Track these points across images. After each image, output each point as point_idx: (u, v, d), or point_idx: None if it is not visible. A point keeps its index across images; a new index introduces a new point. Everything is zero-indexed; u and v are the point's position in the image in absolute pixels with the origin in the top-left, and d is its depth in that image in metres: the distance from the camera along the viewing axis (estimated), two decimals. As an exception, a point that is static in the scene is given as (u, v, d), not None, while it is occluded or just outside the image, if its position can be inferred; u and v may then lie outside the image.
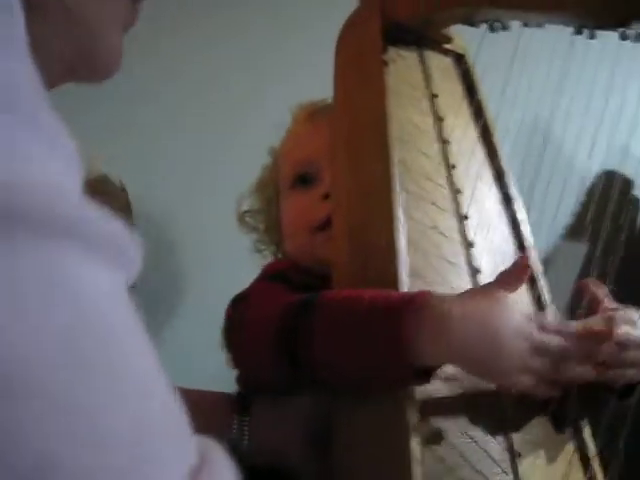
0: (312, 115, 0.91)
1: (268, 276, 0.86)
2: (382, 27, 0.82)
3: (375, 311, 0.61)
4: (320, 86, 0.85)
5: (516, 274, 0.66)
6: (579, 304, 0.72)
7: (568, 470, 0.67)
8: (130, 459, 0.24)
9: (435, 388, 0.62)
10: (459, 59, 0.92)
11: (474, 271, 0.73)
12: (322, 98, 0.91)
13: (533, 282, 0.78)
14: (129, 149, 1.16)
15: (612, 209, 0.75)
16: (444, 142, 0.82)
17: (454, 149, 0.82)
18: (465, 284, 0.72)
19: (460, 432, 0.62)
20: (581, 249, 1.38)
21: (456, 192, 0.79)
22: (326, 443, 0.67)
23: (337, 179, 0.79)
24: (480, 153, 0.85)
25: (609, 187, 0.78)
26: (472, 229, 0.76)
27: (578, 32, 0.72)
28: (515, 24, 0.79)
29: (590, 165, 0.88)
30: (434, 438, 0.60)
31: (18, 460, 0.21)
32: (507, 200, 0.83)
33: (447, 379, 0.63)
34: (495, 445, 0.63)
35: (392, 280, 0.66)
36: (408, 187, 0.75)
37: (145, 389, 0.27)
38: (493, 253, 0.76)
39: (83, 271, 0.25)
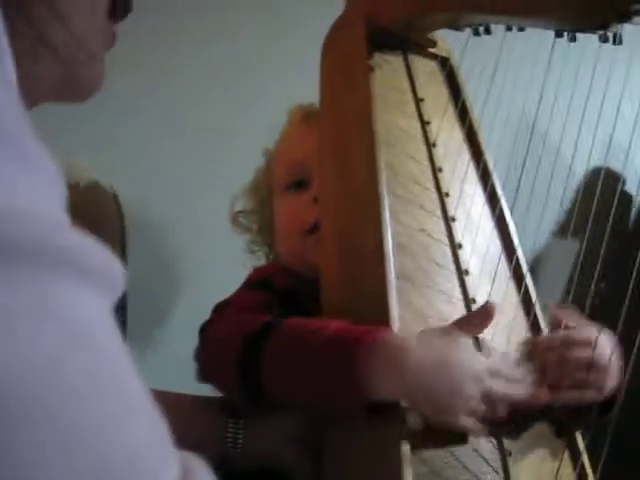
0: (306, 117, 0.91)
1: (251, 284, 0.86)
2: (367, 32, 0.83)
3: (329, 343, 0.63)
4: (316, 87, 0.86)
5: (479, 320, 0.67)
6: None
7: (558, 467, 0.67)
8: (121, 472, 0.25)
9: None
10: (444, 62, 0.93)
11: (463, 273, 0.74)
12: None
13: (520, 282, 0.79)
14: (124, 154, 1.16)
15: (603, 205, 0.75)
16: (431, 145, 0.83)
17: (440, 152, 0.83)
18: (454, 286, 0.73)
19: (450, 431, 0.62)
20: (572, 246, 1.39)
21: (443, 195, 0.80)
22: (319, 445, 0.67)
23: (325, 183, 0.80)
24: (466, 155, 0.86)
25: (599, 183, 0.78)
26: (460, 231, 0.77)
27: (559, 35, 0.73)
28: (499, 27, 0.79)
29: (578, 162, 0.89)
30: (424, 438, 0.61)
31: (13, 475, 0.22)
32: (493, 200, 0.83)
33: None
34: (485, 444, 0.64)
35: (380, 283, 0.67)
36: (396, 191, 0.75)
37: (133, 407, 0.27)
38: (481, 254, 0.77)
39: (73, 297, 0.26)
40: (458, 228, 0.77)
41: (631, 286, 0.67)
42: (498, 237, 0.81)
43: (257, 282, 0.85)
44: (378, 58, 0.85)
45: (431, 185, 0.80)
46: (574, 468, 0.69)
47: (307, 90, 0.86)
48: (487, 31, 0.80)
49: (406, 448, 0.59)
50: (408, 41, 0.89)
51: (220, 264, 1.05)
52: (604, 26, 0.69)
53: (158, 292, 1.22)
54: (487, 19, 0.78)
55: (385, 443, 0.60)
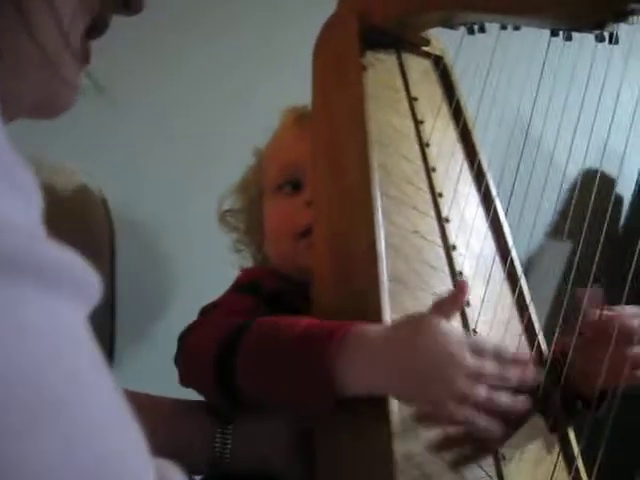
0: (300, 120, 0.89)
1: (239, 287, 0.85)
2: (359, 30, 0.82)
3: (299, 338, 0.62)
4: (309, 87, 0.85)
5: (452, 300, 0.64)
6: (575, 313, 0.71)
7: (553, 471, 0.67)
8: (105, 477, 0.26)
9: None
10: (438, 61, 0.93)
11: (456, 275, 0.73)
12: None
13: (515, 283, 0.78)
14: (114, 158, 1.15)
15: (595, 207, 0.75)
16: (424, 145, 0.82)
17: (434, 152, 0.82)
18: (447, 288, 0.72)
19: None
20: (565, 248, 1.39)
21: (437, 195, 0.79)
22: (310, 449, 0.67)
23: (318, 183, 0.79)
24: (460, 155, 0.85)
25: (592, 185, 0.78)
26: (453, 232, 0.76)
27: (554, 34, 0.72)
28: (493, 26, 0.79)
29: (572, 164, 0.89)
30: (417, 444, 0.60)
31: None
32: (488, 201, 0.83)
33: None
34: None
35: (373, 285, 0.66)
36: (389, 191, 0.74)
37: (112, 414, 0.28)
38: (475, 255, 0.76)
39: (38, 305, 0.25)
40: (452, 229, 0.77)
41: (627, 288, 0.67)
42: (492, 238, 0.81)
43: (245, 285, 0.84)
44: (371, 57, 0.84)
45: (424, 185, 0.79)
46: (569, 472, 0.69)
47: (300, 90, 0.85)
48: (481, 30, 0.80)
49: (399, 450, 0.58)
50: (401, 39, 0.88)
51: (211, 266, 1.04)
52: (600, 25, 0.68)
53: (149, 295, 1.21)
54: (481, 17, 0.78)
55: (377, 445, 0.60)
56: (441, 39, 0.92)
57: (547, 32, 0.74)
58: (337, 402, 0.59)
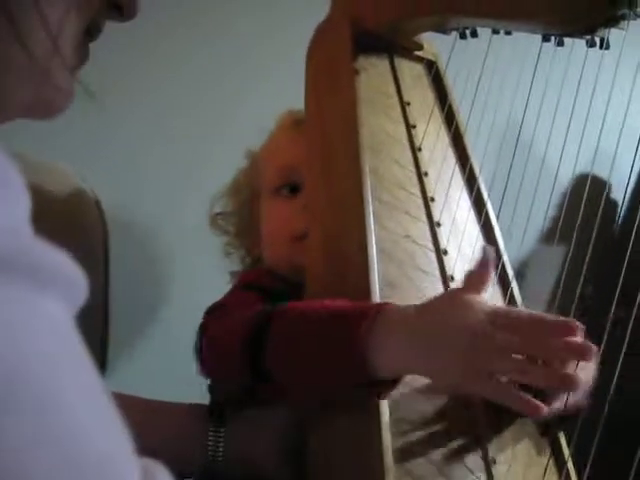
0: (297, 123, 0.90)
1: (242, 285, 0.85)
2: (352, 35, 0.82)
3: (331, 319, 0.61)
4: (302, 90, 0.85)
5: (480, 272, 0.63)
6: None
7: (544, 475, 0.67)
8: (93, 474, 0.26)
9: (407, 399, 0.62)
10: (430, 66, 0.93)
11: (448, 279, 0.74)
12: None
13: (506, 288, 0.78)
14: (110, 159, 1.15)
15: (589, 212, 0.75)
16: (416, 149, 0.83)
17: (426, 156, 0.82)
18: (439, 293, 0.72)
19: (434, 441, 0.62)
20: (558, 252, 1.39)
21: (429, 200, 0.79)
22: (302, 453, 0.67)
23: (311, 188, 0.79)
24: (452, 159, 0.85)
25: (586, 190, 0.78)
26: (445, 237, 0.77)
27: (546, 39, 0.73)
28: (485, 31, 0.79)
29: (563, 168, 0.89)
30: (408, 448, 0.60)
31: None
32: (479, 205, 0.83)
33: (419, 389, 0.63)
34: (470, 453, 0.63)
35: (366, 290, 0.66)
36: (381, 196, 0.75)
37: (99, 413, 0.28)
38: (467, 260, 0.76)
39: (24, 303, 0.26)
40: (444, 233, 0.77)
41: (617, 292, 0.67)
42: (484, 242, 0.81)
43: (249, 284, 0.84)
44: (363, 61, 0.84)
45: (416, 190, 0.79)
46: (559, 475, 0.69)
47: (296, 92, 0.85)
48: (474, 34, 0.80)
49: (390, 453, 0.58)
50: (394, 44, 0.88)
51: (206, 267, 1.04)
52: (591, 31, 0.69)
53: (143, 296, 1.21)
54: (473, 22, 0.78)
55: (367, 448, 0.59)
56: (433, 44, 0.93)
57: (539, 37, 0.74)
58: (371, 383, 0.58)
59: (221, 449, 0.69)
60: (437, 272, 0.74)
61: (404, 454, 0.59)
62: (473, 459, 0.63)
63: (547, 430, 0.70)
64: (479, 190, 0.83)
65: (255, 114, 0.98)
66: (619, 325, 0.64)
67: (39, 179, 0.87)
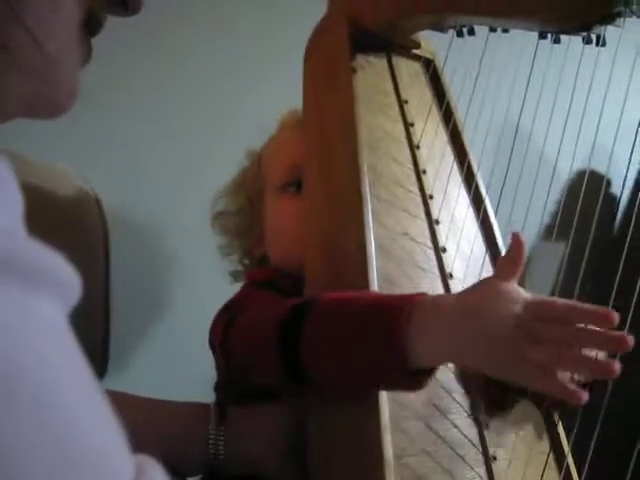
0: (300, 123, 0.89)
1: (256, 284, 0.85)
2: (350, 34, 0.82)
3: (368, 310, 0.61)
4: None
5: (512, 258, 0.61)
6: None
7: (543, 471, 0.67)
8: (89, 471, 0.26)
9: (407, 396, 0.63)
10: (428, 64, 0.93)
11: (447, 277, 0.74)
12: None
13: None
14: (110, 157, 1.15)
15: (588, 207, 0.75)
16: (414, 147, 0.83)
17: (424, 154, 0.82)
18: (438, 290, 0.72)
19: (434, 438, 0.62)
20: (557, 248, 1.40)
21: (427, 197, 0.79)
22: (303, 452, 0.67)
23: (310, 187, 0.79)
24: (450, 157, 0.85)
25: (584, 185, 0.78)
26: (444, 234, 0.77)
27: (542, 37, 0.73)
28: (482, 28, 0.79)
29: (561, 164, 0.89)
30: (408, 445, 0.60)
31: None
32: (478, 202, 0.83)
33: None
34: (470, 450, 0.64)
35: (364, 288, 0.66)
36: (379, 194, 0.75)
37: (81, 417, 0.28)
38: (465, 257, 0.76)
39: (17, 303, 0.26)
40: (442, 231, 0.77)
41: (616, 288, 0.67)
42: (482, 239, 0.81)
43: (262, 282, 0.84)
44: (361, 60, 0.84)
45: (415, 188, 0.79)
46: (559, 471, 0.69)
47: (296, 91, 0.86)
48: (471, 32, 0.80)
49: (390, 450, 0.58)
50: (392, 42, 0.88)
51: (208, 266, 1.04)
52: (587, 28, 0.69)
53: (145, 295, 1.21)
54: (471, 20, 0.78)
55: (368, 446, 0.59)
56: (431, 42, 0.93)
57: (535, 35, 0.74)
58: (410, 374, 0.58)
59: (222, 447, 0.69)
60: (436, 269, 0.74)
61: (404, 451, 0.60)
62: (473, 455, 0.64)
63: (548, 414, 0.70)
64: (477, 187, 0.83)
65: (256, 113, 0.98)
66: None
67: (39, 179, 0.87)
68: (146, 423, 0.69)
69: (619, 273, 0.67)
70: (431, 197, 0.79)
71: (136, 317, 1.18)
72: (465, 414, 0.66)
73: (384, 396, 0.61)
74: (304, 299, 0.67)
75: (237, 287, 0.88)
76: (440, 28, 0.83)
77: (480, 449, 0.65)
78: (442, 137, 0.86)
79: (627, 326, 0.63)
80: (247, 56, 1.28)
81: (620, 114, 0.74)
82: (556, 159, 0.84)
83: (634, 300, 0.63)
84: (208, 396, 0.81)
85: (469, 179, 0.84)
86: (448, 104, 0.89)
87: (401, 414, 0.61)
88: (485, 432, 0.66)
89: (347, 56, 0.82)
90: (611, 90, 0.76)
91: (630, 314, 0.63)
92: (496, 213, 0.83)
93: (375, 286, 0.66)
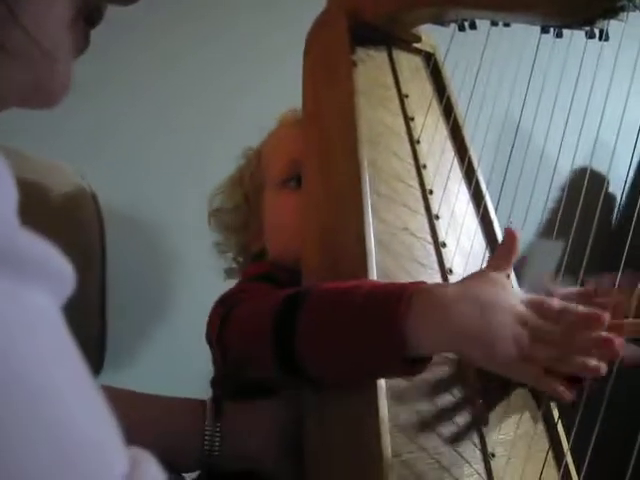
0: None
1: (253, 277, 0.85)
2: (349, 27, 0.82)
3: (366, 299, 0.60)
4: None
5: (505, 249, 0.64)
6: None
7: (542, 468, 0.67)
8: (81, 462, 0.26)
9: (406, 391, 0.62)
10: (429, 58, 0.92)
11: (446, 272, 0.73)
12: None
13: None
14: (108, 153, 1.15)
15: (588, 205, 0.75)
16: (414, 142, 0.82)
17: (424, 149, 0.82)
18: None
19: (432, 434, 0.62)
20: (557, 246, 1.39)
21: (427, 192, 0.79)
22: (301, 448, 0.66)
23: (309, 182, 0.79)
24: (450, 151, 0.85)
25: (584, 184, 0.78)
26: (444, 229, 0.76)
27: (545, 31, 0.72)
28: (484, 22, 0.79)
29: (562, 160, 0.89)
30: (407, 440, 0.60)
31: None
32: (478, 197, 0.83)
33: (418, 382, 0.63)
34: (468, 446, 0.63)
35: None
36: (379, 189, 0.74)
37: (74, 409, 0.27)
38: (465, 253, 0.76)
39: (8, 293, 0.25)
40: (442, 226, 0.77)
41: (616, 284, 0.67)
42: (482, 235, 0.81)
43: (259, 276, 0.83)
44: (361, 53, 0.84)
45: (415, 182, 0.79)
46: (558, 469, 0.69)
47: (295, 90, 0.85)
48: (472, 26, 0.79)
49: (388, 447, 0.58)
50: (392, 36, 0.88)
51: (207, 263, 1.04)
52: (590, 22, 0.68)
53: (145, 292, 1.21)
54: (472, 14, 0.78)
55: (366, 442, 0.59)
56: (432, 36, 0.92)
57: (537, 29, 0.74)
58: (407, 363, 0.58)
59: (217, 443, 0.69)
60: (435, 265, 0.73)
61: (403, 446, 0.59)
62: (472, 452, 0.63)
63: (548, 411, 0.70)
64: (478, 182, 0.83)
65: (255, 110, 0.98)
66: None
67: (36, 175, 0.87)
68: (142, 419, 0.69)
69: (619, 272, 0.66)
70: (431, 192, 0.79)
71: (134, 314, 1.18)
72: (464, 411, 0.66)
73: (382, 391, 0.60)
74: (298, 289, 0.67)
75: (233, 283, 0.87)
76: (441, 22, 0.82)
77: (479, 445, 0.64)
78: (442, 132, 0.86)
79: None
80: (247, 53, 1.28)
81: (623, 111, 0.73)
82: (557, 155, 0.83)
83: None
84: (206, 393, 0.81)
85: (469, 174, 0.83)
86: (449, 99, 0.88)
87: (399, 409, 0.61)
88: (484, 429, 0.65)
89: (347, 49, 0.81)
90: (614, 85, 0.75)
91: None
92: (496, 209, 0.83)
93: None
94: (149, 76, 1.21)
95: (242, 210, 0.94)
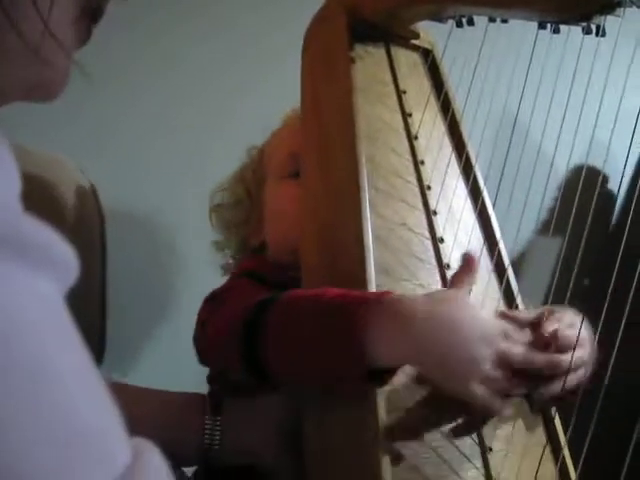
0: None
1: (247, 272, 0.85)
2: (348, 23, 0.82)
3: (329, 307, 0.61)
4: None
5: (466, 269, 0.65)
6: None
7: (539, 462, 0.67)
8: (84, 450, 0.26)
9: (403, 387, 0.62)
10: (427, 54, 0.92)
11: (444, 267, 0.73)
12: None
13: (503, 275, 0.78)
14: (109, 148, 1.15)
15: (585, 203, 0.75)
16: (412, 138, 0.82)
17: (422, 145, 0.82)
18: (435, 281, 0.72)
19: (430, 429, 0.62)
20: (555, 244, 1.39)
21: (425, 188, 0.79)
22: (299, 441, 0.67)
23: (308, 178, 0.79)
24: (448, 147, 0.85)
25: (583, 182, 0.78)
26: (441, 225, 0.77)
27: (542, 27, 0.72)
28: (481, 19, 0.79)
29: (559, 157, 0.89)
30: (404, 436, 0.60)
31: None
32: (475, 193, 0.83)
33: (414, 377, 0.63)
34: (466, 441, 0.64)
35: (360, 278, 0.66)
36: (377, 184, 0.75)
37: (77, 398, 0.27)
38: (463, 248, 0.76)
39: (12, 279, 0.25)
40: (440, 222, 0.77)
41: (613, 283, 0.67)
42: (480, 230, 0.81)
43: (248, 273, 0.84)
44: (360, 49, 0.84)
45: (413, 178, 0.79)
46: (555, 463, 0.69)
47: (295, 88, 0.85)
48: (470, 23, 0.80)
49: (387, 443, 0.58)
50: (390, 33, 0.88)
51: (207, 258, 1.04)
52: (587, 18, 0.68)
53: (146, 287, 1.21)
54: (470, 10, 0.78)
55: (365, 439, 0.59)
56: (430, 32, 0.92)
57: (535, 25, 0.74)
58: (369, 372, 0.58)
59: (217, 437, 0.69)
60: (433, 260, 0.74)
61: (400, 442, 0.59)
62: (469, 447, 0.63)
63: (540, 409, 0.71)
64: (475, 178, 0.83)
65: (256, 109, 0.98)
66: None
67: (37, 169, 0.87)
68: (142, 413, 0.69)
69: (616, 268, 0.67)
70: (429, 188, 0.79)
71: (134, 310, 1.18)
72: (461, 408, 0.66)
73: (381, 392, 0.61)
74: (271, 295, 0.67)
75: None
76: (439, 18, 0.82)
77: (476, 440, 0.65)
78: (440, 128, 0.86)
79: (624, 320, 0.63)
80: (248, 52, 1.28)
81: (618, 106, 0.73)
82: (554, 151, 0.84)
83: (630, 295, 0.63)
84: (206, 388, 0.81)
85: (467, 170, 0.84)
86: (446, 95, 0.88)
87: (397, 403, 0.61)
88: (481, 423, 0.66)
89: (345, 46, 0.81)
90: (610, 81, 0.76)
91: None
92: (494, 204, 0.83)
93: (372, 276, 0.66)
94: (149, 75, 1.21)
95: (244, 205, 0.95)
